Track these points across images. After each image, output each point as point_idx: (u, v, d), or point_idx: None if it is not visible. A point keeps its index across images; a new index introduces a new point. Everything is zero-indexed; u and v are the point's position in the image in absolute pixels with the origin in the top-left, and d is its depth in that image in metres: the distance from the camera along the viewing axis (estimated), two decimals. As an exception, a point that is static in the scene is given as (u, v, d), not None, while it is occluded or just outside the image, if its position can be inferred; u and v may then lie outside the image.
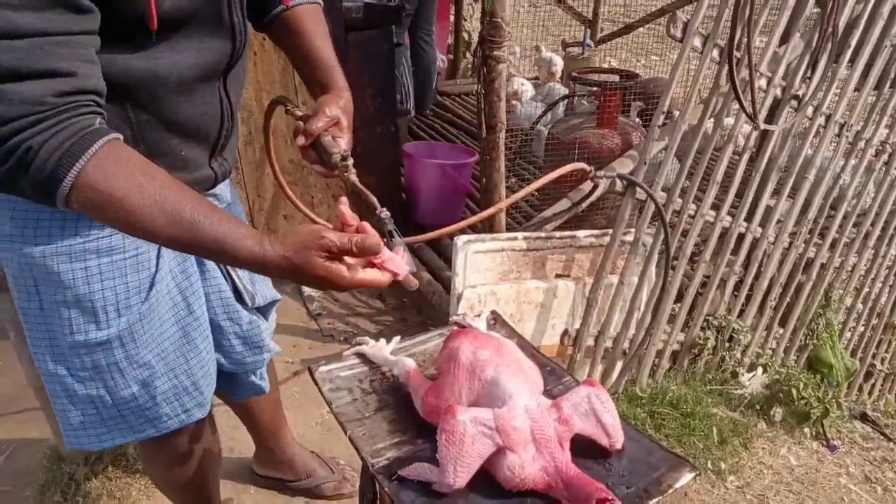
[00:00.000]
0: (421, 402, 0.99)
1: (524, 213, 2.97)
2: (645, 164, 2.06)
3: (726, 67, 1.96)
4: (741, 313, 2.46)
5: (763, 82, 2.10)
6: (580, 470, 0.86)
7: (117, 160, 0.77)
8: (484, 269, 2.10)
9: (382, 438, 0.99)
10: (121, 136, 0.80)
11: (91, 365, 1.05)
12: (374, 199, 0.97)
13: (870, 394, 3.00)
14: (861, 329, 2.83)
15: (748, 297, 2.46)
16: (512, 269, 2.15)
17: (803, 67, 2.15)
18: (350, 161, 1.02)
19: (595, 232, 2.20)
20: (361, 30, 2.56)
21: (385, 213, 0.95)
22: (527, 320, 2.16)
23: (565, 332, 2.22)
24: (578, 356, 2.20)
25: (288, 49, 1.18)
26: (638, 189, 2.07)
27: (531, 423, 0.88)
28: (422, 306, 2.70)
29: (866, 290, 2.75)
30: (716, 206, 2.26)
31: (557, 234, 2.18)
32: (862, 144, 2.43)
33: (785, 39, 2.11)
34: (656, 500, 0.89)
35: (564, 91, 3.84)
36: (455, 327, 1.20)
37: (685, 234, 2.23)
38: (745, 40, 1.92)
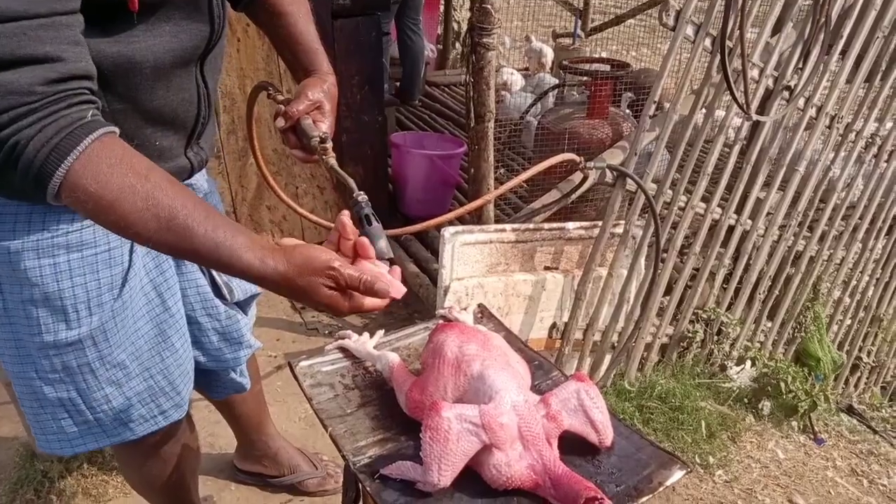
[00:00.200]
0: (405, 397, 0.96)
1: (513, 205, 2.94)
2: (636, 154, 2.04)
3: (718, 57, 1.93)
4: (730, 306, 2.45)
5: (755, 73, 2.08)
6: (568, 468, 0.83)
7: (109, 159, 0.72)
8: (472, 261, 2.07)
9: (365, 436, 0.96)
10: (116, 130, 0.75)
11: (61, 366, 1.01)
12: (353, 183, 0.94)
13: (856, 387, 3.01)
14: (848, 322, 2.84)
15: (737, 290, 2.45)
16: (500, 262, 2.12)
17: (795, 58, 2.13)
18: (329, 144, 0.99)
19: (584, 224, 2.17)
20: (348, 17, 2.51)
21: (363, 197, 0.91)
22: (515, 313, 2.14)
23: (553, 326, 2.19)
24: (567, 350, 2.18)
25: (269, 31, 1.13)
26: (628, 180, 2.04)
27: (518, 419, 0.86)
28: (409, 299, 2.66)
29: (854, 283, 2.75)
30: (706, 199, 2.24)
31: (546, 225, 2.15)
32: (852, 137, 2.42)
33: (777, 29, 2.09)
34: (646, 498, 0.86)
35: (555, 82, 3.80)
36: (441, 321, 1.16)
37: (675, 226, 2.21)
38: (737, 30, 1.90)
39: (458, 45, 5.08)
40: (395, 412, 0.98)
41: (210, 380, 1.30)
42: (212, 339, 1.21)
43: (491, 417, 0.84)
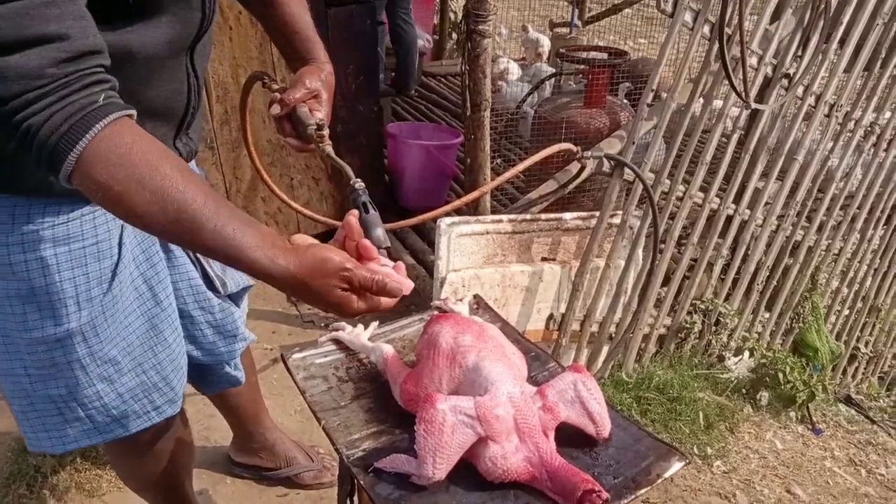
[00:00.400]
0: (399, 390, 0.95)
1: (509, 196, 2.92)
2: (633, 144, 2.02)
3: (717, 44, 1.91)
4: (728, 297, 2.44)
5: (754, 60, 2.06)
6: (565, 460, 0.82)
7: (118, 147, 0.69)
8: (468, 252, 2.05)
9: (359, 428, 0.95)
10: (131, 112, 0.73)
11: (50, 363, 0.98)
12: (350, 170, 0.92)
13: (854, 377, 3.01)
14: (846, 312, 2.83)
15: (735, 281, 2.44)
16: (497, 253, 2.10)
17: (795, 45, 2.11)
18: (326, 132, 0.97)
19: (582, 214, 2.15)
20: (342, 4, 2.48)
21: (360, 184, 0.89)
22: (512, 305, 2.12)
23: (551, 317, 2.18)
24: (564, 341, 2.16)
25: (262, 19, 1.11)
26: (626, 170, 2.02)
27: (514, 411, 0.84)
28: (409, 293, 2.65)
29: (852, 273, 2.74)
30: (704, 188, 2.22)
31: (543, 216, 2.13)
32: (851, 125, 2.40)
33: (776, 16, 2.07)
34: (645, 490, 0.85)
35: (552, 72, 3.77)
36: (436, 312, 1.15)
37: (673, 216, 2.19)
38: (735, 17, 1.87)
39: (454, 35, 5.04)
40: (390, 405, 0.97)
41: (204, 374, 1.28)
42: (205, 332, 1.19)
43: (486, 409, 0.83)
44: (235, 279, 1.24)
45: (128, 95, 0.87)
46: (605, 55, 2.57)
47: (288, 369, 1.06)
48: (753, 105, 2.06)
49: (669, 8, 1.86)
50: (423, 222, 1.83)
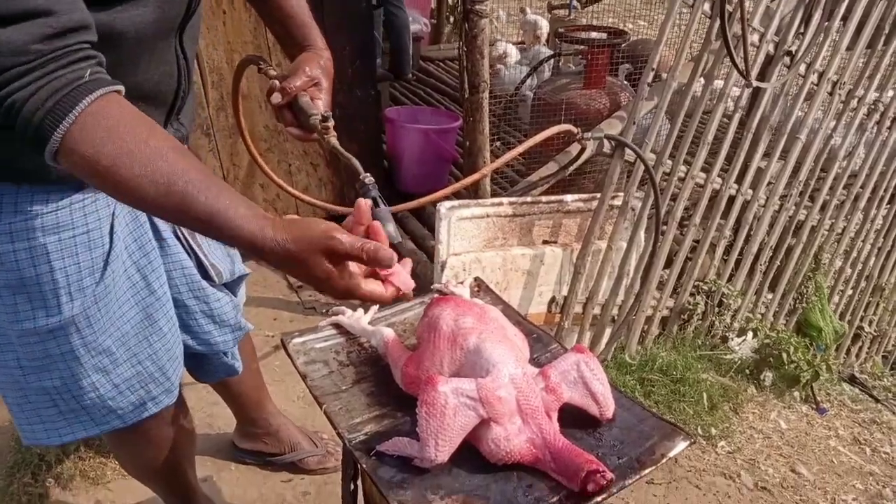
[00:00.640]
0: (400, 373, 0.94)
1: (509, 179, 2.90)
2: (634, 124, 1.99)
3: (718, 22, 1.88)
4: (731, 278, 2.43)
5: (755, 38, 2.03)
6: (569, 441, 0.81)
7: (106, 121, 0.69)
8: (469, 236, 2.04)
9: (360, 412, 0.94)
10: (118, 88, 0.72)
11: (43, 354, 0.97)
12: (358, 164, 0.90)
13: (857, 356, 3.00)
14: (850, 292, 2.82)
15: (738, 262, 2.43)
16: (497, 236, 2.09)
17: (797, 22, 2.08)
18: (331, 123, 0.94)
19: (583, 196, 2.14)
20: (337, -12, 2.45)
21: (369, 179, 0.87)
22: (513, 288, 2.11)
23: (553, 300, 2.17)
24: (566, 324, 2.16)
25: (257, 4, 1.08)
26: (627, 151, 2.00)
27: (517, 392, 0.83)
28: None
29: (855, 252, 2.73)
30: (706, 169, 2.20)
31: (544, 199, 2.11)
32: (854, 104, 2.38)
33: (778, -8, 2.04)
34: (649, 470, 0.84)
35: (550, 54, 3.73)
36: (436, 295, 1.14)
37: (674, 197, 2.18)
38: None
39: (451, 18, 4.99)
40: (391, 388, 0.96)
41: (201, 363, 1.27)
42: (200, 321, 1.18)
43: (488, 391, 0.82)
44: (230, 268, 1.22)
45: (120, 78, 0.86)
46: (604, 35, 2.54)
47: (288, 354, 1.05)
48: (755, 83, 2.03)
49: (670, -16, 1.83)
50: (422, 206, 1.81)
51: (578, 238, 2.16)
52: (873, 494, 1.97)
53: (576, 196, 2.14)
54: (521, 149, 1.83)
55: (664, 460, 0.86)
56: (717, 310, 2.41)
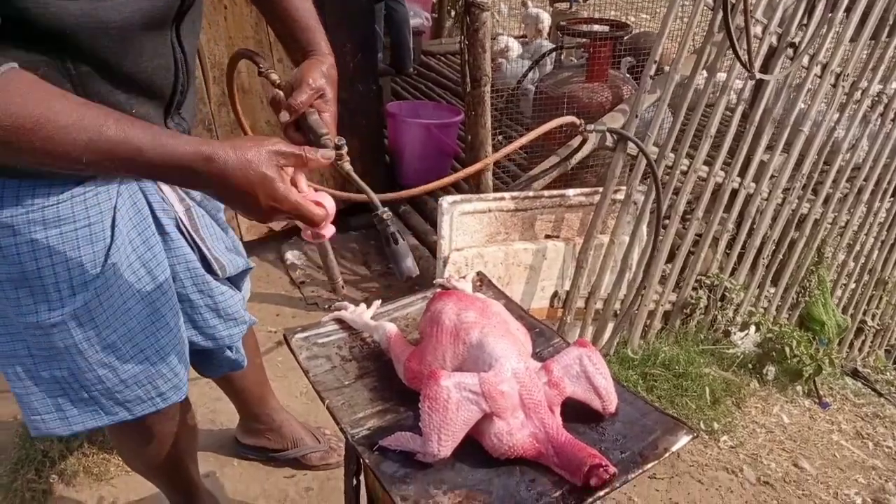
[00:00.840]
0: (403, 368, 0.94)
1: (511, 174, 2.89)
2: (636, 117, 1.99)
3: (720, 13, 1.87)
4: (733, 272, 2.42)
5: (758, 29, 2.02)
6: (572, 435, 0.81)
7: (18, 88, 0.69)
8: (471, 231, 2.03)
9: (363, 407, 0.94)
10: (14, 65, 0.72)
11: (48, 346, 0.97)
12: (375, 197, 0.91)
13: (860, 350, 3.00)
14: (853, 286, 2.81)
15: (740, 255, 2.42)
16: (500, 231, 2.08)
17: (800, 13, 2.07)
18: (344, 149, 0.94)
19: (585, 190, 2.13)
20: (338, -18, 2.44)
21: (387, 214, 0.91)
22: (515, 283, 2.11)
23: (555, 295, 2.17)
24: (568, 318, 2.15)
25: (260, 4, 1.07)
26: (629, 144, 1.99)
27: (519, 387, 0.83)
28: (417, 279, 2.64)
29: (858, 246, 2.72)
30: (708, 162, 2.19)
31: (546, 193, 2.11)
32: (858, 95, 2.36)
33: (781, -16, 2.03)
34: (652, 464, 0.84)
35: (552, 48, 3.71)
36: (439, 290, 1.13)
37: (677, 191, 2.17)
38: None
39: (452, 12, 4.97)
40: (394, 383, 0.96)
41: (205, 358, 1.27)
42: (205, 316, 1.17)
43: (491, 385, 0.81)
44: (235, 262, 1.22)
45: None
46: (606, 28, 2.52)
47: (291, 350, 1.05)
48: (758, 75, 2.02)
49: (672, -23, 1.82)
50: (420, 194, 1.80)
51: (581, 232, 2.15)
52: (876, 489, 1.97)
53: (578, 190, 2.13)
54: (524, 139, 1.83)
55: (667, 454, 0.86)
56: (719, 304, 2.40)
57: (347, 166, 0.94)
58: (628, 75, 2.62)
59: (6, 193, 0.89)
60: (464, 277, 1.20)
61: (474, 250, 2.03)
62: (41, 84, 0.71)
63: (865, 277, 2.84)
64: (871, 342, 3.04)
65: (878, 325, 3.00)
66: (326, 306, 2.42)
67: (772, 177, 2.32)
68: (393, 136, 2.98)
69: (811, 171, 2.39)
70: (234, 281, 1.25)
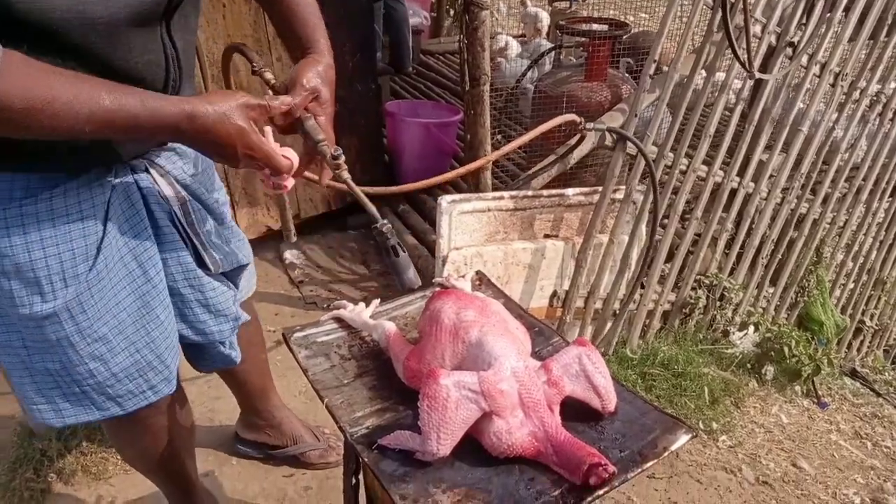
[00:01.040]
0: (402, 366, 0.94)
1: (510, 173, 2.89)
2: (636, 116, 1.98)
3: (720, 13, 1.87)
4: (732, 271, 2.42)
5: (757, 29, 2.02)
6: (571, 434, 0.81)
7: (20, 70, 0.73)
8: (470, 230, 2.03)
9: (362, 406, 0.94)
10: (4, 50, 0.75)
11: (42, 338, 0.98)
12: (374, 210, 0.93)
13: (859, 350, 3.00)
14: (851, 286, 2.81)
15: (739, 255, 2.42)
16: (499, 230, 2.08)
17: (799, 13, 2.07)
18: (342, 158, 0.95)
19: (584, 189, 2.13)
20: (337, -19, 2.44)
21: (387, 227, 0.93)
22: (514, 282, 2.11)
23: (554, 294, 2.17)
24: (568, 318, 2.15)
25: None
26: (629, 144, 1.99)
27: (518, 385, 0.83)
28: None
29: (857, 246, 2.72)
30: (707, 162, 2.19)
31: (545, 192, 2.10)
32: (856, 95, 2.36)
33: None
34: (651, 463, 0.84)
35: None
36: (438, 289, 1.13)
37: (676, 191, 2.17)
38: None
39: (451, 11, 4.97)
40: (393, 382, 0.96)
41: (197, 353, 1.26)
42: (196, 311, 1.17)
43: (490, 384, 0.81)
44: (229, 258, 1.22)
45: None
46: (605, 27, 2.52)
47: (290, 348, 1.05)
48: (757, 75, 2.02)
49: (672, -24, 1.82)
50: (417, 189, 1.80)
51: (580, 232, 2.15)
52: (874, 488, 1.97)
53: (577, 189, 2.13)
54: (526, 137, 1.83)
55: (666, 453, 0.86)
56: (718, 304, 2.40)
57: (346, 175, 0.94)
58: (627, 75, 2.62)
59: (0, 187, 0.89)
60: (463, 276, 1.19)
61: (473, 249, 2.03)
62: (33, 62, 0.75)
63: (864, 277, 2.84)
64: (870, 342, 3.04)
65: (876, 325, 3.00)
66: (325, 305, 2.42)
67: (771, 176, 2.32)
68: (392, 135, 2.98)
69: (810, 170, 2.40)
70: (230, 277, 1.24)
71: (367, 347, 1.05)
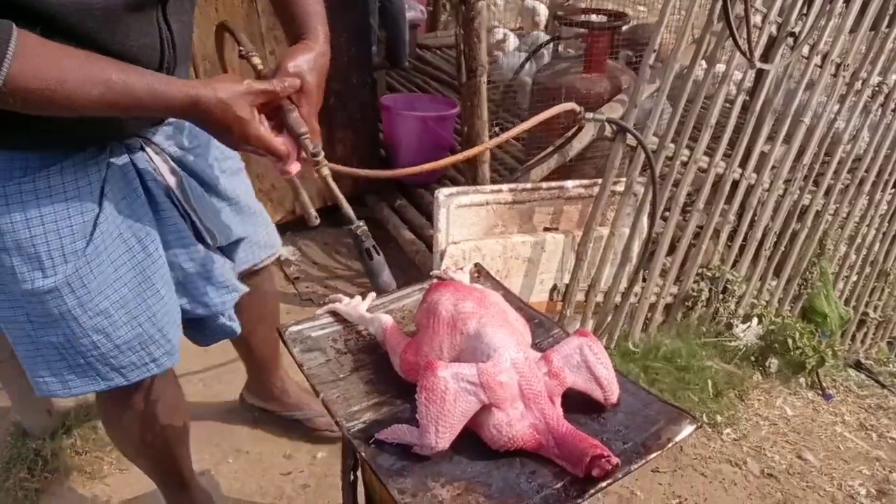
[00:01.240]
0: (399, 360, 0.92)
1: (508, 167, 2.87)
2: (635, 107, 1.96)
3: (720, 3, 1.84)
4: (735, 264, 2.40)
5: (758, 18, 1.99)
6: (573, 426, 0.79)
7: (35, 52, 0.76)
8: (468, 223, 2.01)
9: (359, 400, 0.92)
10: (13, 24, 0.76)
11: (45, 313, 1.00)
12: (350, 210, 0.96)
13: (863, 342, 2.98)
14: (854, 278, 2.79)
15: (742, 247, 2.40)
16: (497, 224, 2.06)
17: (800, 3, 2.05)
18: (321, 155, 0.96)
19: (584, 182, 2.10)
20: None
21: (362, 229, 0.94)
22: (514, 276, 2.08)
23: (554, 288, 2.14)
24: (568, 312, 2.13)
25: None
26: (629, 135, 1.97)
27: (518, 377, 0.81)
28: (404, 266, 2.61)
29: (860, 238, 2.70)
30: (709, 153, 2.17)
31: (545, 185, 2.08)
32: (858, 85, 2.34)
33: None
34: (655, 454, 0.82)
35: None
36: (435, 281, 1.11)
37: (677, 182, 2.14)
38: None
39: (448, 5, 4.94)
40: (390, 375, 0.94)
41: (198, 326, 1.27)
42: (197, 284, 1.18)
43: (489, 376, 0.79)
44: (226, 232, 1.22)
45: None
46: (604, 18, 2.50)
47: (285, 343, 1.03)
48: (758, 64, 1.99)
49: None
50: (412, 174, 1.77)
51: (580, 224, 2.13)
52: (880, 479, 1.95)
53: (577, 182, 2.11)
54: (527, 125, 1.80)
55: (670, 445, 0.83)
56: (721, 296, 2.38)
57: (325, 171, 0.96)
58: (626, 66, 2.60)
59: None
60: (461, 269, 1.17)
61: (472, 243, 2.00)
62: (48, 43, 0.78)
63: (867, 269, 2.81)
64: (874, 334, 3.02)
65: (880, 316, 2.98)
66: (321, 302, 2.39)
67: (773, 168, 2.30)
68: (388, 129, 2.95)
69: (812, 162, 2.37)
70: (227, 251, 1.26)
71: (364, 341, 1.03)
